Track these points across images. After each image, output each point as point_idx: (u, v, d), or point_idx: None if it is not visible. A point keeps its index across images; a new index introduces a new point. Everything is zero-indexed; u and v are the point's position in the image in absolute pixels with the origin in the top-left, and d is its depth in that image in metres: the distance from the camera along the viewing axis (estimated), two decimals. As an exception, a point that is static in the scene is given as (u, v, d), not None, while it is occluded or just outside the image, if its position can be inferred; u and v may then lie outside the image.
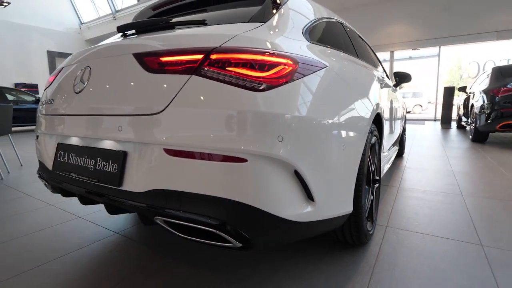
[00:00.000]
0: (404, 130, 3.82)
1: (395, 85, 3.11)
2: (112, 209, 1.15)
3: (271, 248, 1.50)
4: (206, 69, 0.90)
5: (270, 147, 0.85)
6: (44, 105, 1.39)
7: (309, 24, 1.31)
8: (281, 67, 0.93)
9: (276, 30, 1.10)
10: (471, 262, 1.34)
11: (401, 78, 3.11)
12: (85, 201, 1.27)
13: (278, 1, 1.26)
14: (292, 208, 0.93)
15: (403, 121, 3.59)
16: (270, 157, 0.86)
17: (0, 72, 11.71)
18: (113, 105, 1.02)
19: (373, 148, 1.58)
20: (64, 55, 13.64)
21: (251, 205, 0.85)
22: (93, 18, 13.70)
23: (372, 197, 1.55)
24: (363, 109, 1.30)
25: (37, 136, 1.49)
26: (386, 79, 2.44)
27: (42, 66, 13.00)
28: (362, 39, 2.48)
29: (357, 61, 1.68)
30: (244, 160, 0.84)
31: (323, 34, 1.43)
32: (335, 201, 1.09)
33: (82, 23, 14.25)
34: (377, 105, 1.52)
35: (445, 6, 8.93)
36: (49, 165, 1.34)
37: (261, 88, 0.88)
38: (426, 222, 1.77)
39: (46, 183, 1.42)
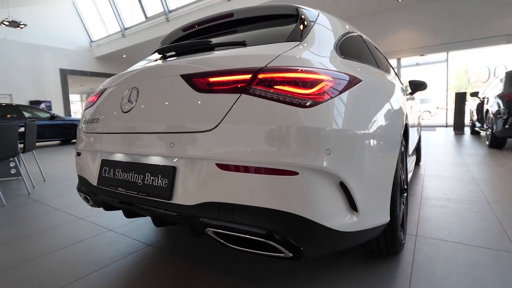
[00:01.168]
0: (420, 137, 3.83)
1: (411, 93, 3.14)
2: (159, 222, 1.20)
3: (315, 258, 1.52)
4: (254, 87, 0.96)
5: (320, 160, 0.90)
6: (87, 124, 1.47)
7: (338, 40, 1.37)
8: (323, 83, 0.99)
9: (312, 47, 1.16)
10: (509, 270, 1.34)
11: (416, 86, 3.12)
12: (130, 214, 1.32)
13: (309, 20, 1.33)
14: (338, 218, 0.97)
15: (419, 129, 3.60)
16: (319, 170, 0.90)
17: (17, 90, 12.09)
18: (164, 124, 1.09)
19: (402, 158, 1.62)
20: (76, 72, 14.03)
21: (302, 216, 0.89)
22: (103, 36, 14.11)
23: (403, 206, 1.58)
24: (396, 120, 1.35)
25: (78, 153, 1.56)
26: (406, 88, 2.48)
27: (55, 83, 13.40)
28: (377, 49, 2.54)
29: (381, 72, 1.73)
30: (296, 173, 0.89)
31: (350, 48, 1.49)
32: (375, 211, 1.13)
33: (92, 41, 14.68)
34: (406, 115, 1.56)
35: (451, 12, 8.97)
36: (93, 180, 1.40)
37: (307, 104, 0.93)
38: (456, 230, 1.78)
39: (88, 197, 1.48)
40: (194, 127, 1.01)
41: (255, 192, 0.92)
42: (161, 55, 1.44)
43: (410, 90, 3.17)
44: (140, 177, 1.17)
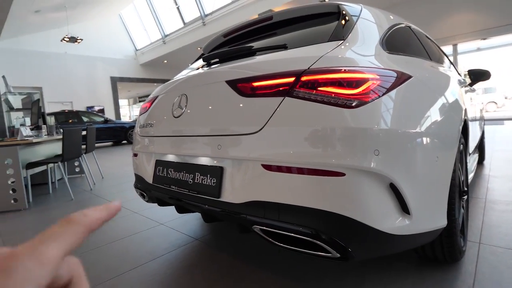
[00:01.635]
0: (483, 133, 3.47)
1: (471, 84, 2.86)
2: (208, 218, 1.26)
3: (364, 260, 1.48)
4: (298, 90, 0.96)
5: (368, 161, 0.87)
6: (142, 128, 1.59)
7: (384, 35, 1.31)
8: (369, 82, 0.95)
9: (356, 45, 1.13)
10: None
11: (477, 76, 2.79)
12: (181, 210, 1.40)
13: (351, 16, 1.28)
14: (388, 220, 0.93)
15: (482, 123, 3.25)
16: (367, 171, 0.88)
17: (76, 97, 13.46)
18: (212, 127, 1.14)
19: (461, 157, 1.49)
20: (124, 79, 15.19)
21: (349, 216, 0.88)
22: (146, 44, 15.05)
23: (463, 210, 1.46)
24: (452, 116, 1.25)
25: (135, 154, 1.69)
26: (464, 79, 2.28)
27: (107, 90, 14.65)
28: (429, 38, 2.36)
29: (433, 64, 1.61)
30: (342, 174, 0.87)
31: (398, 42, 1.41)
32: (430, 215, 1.06)
33: (137, 50, 15.73)
34: (465, 110, 1.44)
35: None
36: (149, 178, 1.52)
37: (353, 104, 0.91)
38: (526, 238, 1.59)
39: (144, 194, 1.60)
40: (239, 130, 1.04)
41: (301, 192, 0.92)
42: (206, 62, 1.50)
43: (469, 81, 2.89)
44: (191, 176, 1.24)
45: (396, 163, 0.92)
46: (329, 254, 0.95)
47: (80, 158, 3.76)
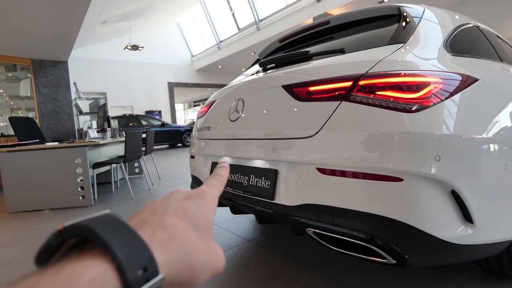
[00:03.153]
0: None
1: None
2: (262, 219, 1.32)
3: (423, 268, 1.44)
4: (355, 94, 0.98)
5: (427, 166, 0.86)
6: (199, 131, 1.71)
7: (448, 36, 1.27)
8: (431, 86, 0.94)
9: (417, 48, 1.11)
10: None
11: None
12: (235, 211, 1.48)
13: (413, 18, 1.26)
14: (448, 229, 0.91)
15: None
16: (426, 177, 0.87)
17: (136, 102, 14.49)
18: (268, 130, 1.20)
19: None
20: (180, 85, 16.00)
21: (406, 222, 0.87)
22: (201, 50, 15.72)
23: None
24: None
25: (192, 156, 1.82)
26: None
27: (164, 95, 15.52)
28: (501, 38, 2.19)
29: (504, 66, 1.50)
30: (400, 180, 0.87)
31: (464, 43, 1.35)
32: (496, 225, 1.01)
33: (193, 56, 16.49)
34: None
35: None
36: (205, 179, 1.62)
37: (413, 109, 0.91)
38: None
39: None
40: (295, 134, 1.09)
41: (356, 196, 0.94)
42: (262, 68, 1.57)
43: None
44: (246, 178, 1.31)
45: (458, 170, 0.89)
46: (385, 260, 0.95)
47: (139, 159, 4.08)
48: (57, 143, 3.39)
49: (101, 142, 3.37)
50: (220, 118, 1.51)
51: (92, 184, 3.34)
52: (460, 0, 8.55)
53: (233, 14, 12.88)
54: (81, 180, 3.18)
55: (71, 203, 3.20)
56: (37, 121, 4.39)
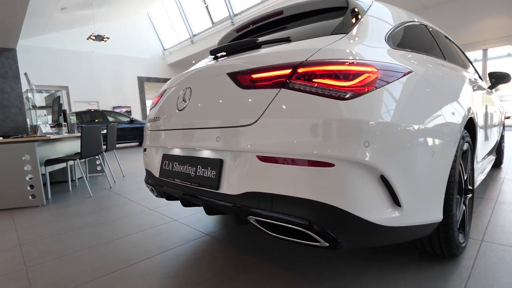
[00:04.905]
0: (502, 137, 3.38)
1: (491, 87, 2.82)
2: (210, 210, 1.31)
3: (357, 251, 1.50)
4: (294, 82, 1.00)
5: (356, 152, 0.90)
6: (150, 123, 1.67)
7: (391, 30, 1.32)
8: (365, 75, 0.98)
9: (359, 39, 1.15)
10: None
11: (498, 78, 2.82)
12: (186, 203, 1.47)
13: (359, 11, 1.31)
14: (378, 212, 0.96)
15: (501, 127, 3.19)
16: (356, 162, 0.91)
17: (102, 97, 13.84)
18: (212, 119, 1.20)
19: (465, 156, 1.48)
20: (151, 79, 15.49)
21: (337, 206, 0.91)
22: (174, 44, 15.31)
23: (464, 207, 1.45)
24: (453, 113, 1.25)
25: (145, 149, 1.78)
26: (479, 81, 2.24)
27: (134, 90, 14.96)
28: (449, 39, 2.34)
29: (444, 63, 1.60)
30: (331, 165, 0.91)
31: (407, 38, 1.42)
32: (423, 208, 1.08)
33: (164, 49, 16.03)
34: (469, 109, 1.43)
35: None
36: (156, 173, 1.59)
37: (346, 96, 0.94)
38: (535, 238, 1.56)
39: (153, 189, 1.68)
40: (237, 122, 1.09)
41: (292, 182, 0.96)
42: (214, 56, 1.56)
43: (488, 84, 2.85)
44: (193, 169, 1.30)
45: (387, 156, 0.94)
46: (318, 243, 0.98)
47: (100, 156, 3.92)
48: (0, 138, 3.16)
49: (53, 137, 3.19)
50: (169, 108, 1.49)
51: (44, 183, 3.14)
52: (423, 6, 9.02)
53: (207, 7, 12.55)
54: (30, 178, 2.98)
55: (20, 203, 3.00)
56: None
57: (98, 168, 4.87)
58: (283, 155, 0.97)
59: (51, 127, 3.82)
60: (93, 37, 11.11)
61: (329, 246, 0.97)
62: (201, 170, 1.26)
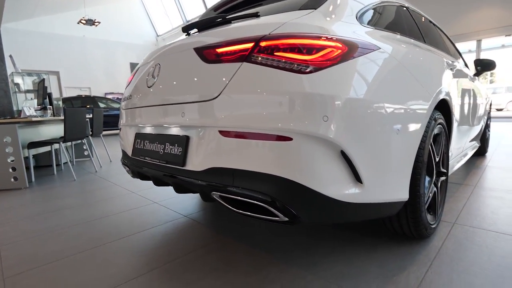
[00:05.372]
0: (487, 126, 3.40)
1: (476, 74, 2.81)
2: (178, 188, 1.30)
3: (328, 231, 1.51)
4: (256, 55, 0.98)
5: (314, 126, 0.89)
6: (124, 101, 1.64)
7: (363, 9, 1.30)
8: (328, 49, 0.96)
9: (327, 15, 1.13)
10: (558, 264, 1.17)
11: (483, 66, 2.83)
12: (157, 182, 1.46)
13: None
14: (337, 187, 0.95)
15: (486, 116, 3.20)
16: (314, 136, 0.90)
17: (94, 83, 13.63)
18: (177, 95, 1.18)
19: (439, 138, 1.48)
20: (144, 66, 15.21)
21: (296, 181, 0.90)
22: (167, 30, 15.03)
23: (435, 189, 1.45)
24: (422, 93, 1.24)
25: (120, 129, 1.76)
26: (461, 66, 2.23)
27: (126, 76, 14.74)
28: (434, 25, 2.31)
29: (421, 45, 1.59)
30: (290, 139, 0.90)
31: (381, 18, 1.40)
32: (386, 186, 1.07)
33: (158, 35, 15.76)
34: (442, 91, 1.42)
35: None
36: (129, 152, 1.58)
37: (307, 70, 0.92)
38: (504, 222, 1.58)
39: (128, 169, 1.66)
40: (200, 97, 1.07)
41: (251, 157, 0.95)
42: (186, 33, 1.53)
43: (474, 71, 2.85)
44: (162, 146, 1.28)
45: (347, 132, 0.93)
46: (277, 218, 0.98)
47: (86, 141, 3.87)
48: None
49: (34, 119, 3.14)
50: (140, 85, 1.46)
51: (28, 167, 3.11)
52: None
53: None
54: (12, 161, 2.95)
55: (2, 185, 2.98)
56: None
57: (86, 153, 4.83)
58: (243, 129, 0.96)
59: (35, 110, 3.76)
60: (84, 21, 10.83)
61: (288, 221, 0.97)
62: (169, 147, 1.25)
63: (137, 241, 1.60)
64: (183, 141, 1.17)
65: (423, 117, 1.22)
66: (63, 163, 4.43)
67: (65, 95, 12.23)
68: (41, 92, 3.89)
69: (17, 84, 5.21)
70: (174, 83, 1.21)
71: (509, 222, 1.57)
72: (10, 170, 2.96)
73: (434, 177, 1.46)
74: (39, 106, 3.97)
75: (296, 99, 0.90)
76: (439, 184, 1.51)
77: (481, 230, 1.49)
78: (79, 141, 4.55)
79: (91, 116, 4.21)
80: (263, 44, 0.99)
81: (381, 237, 1.48)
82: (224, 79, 1.02)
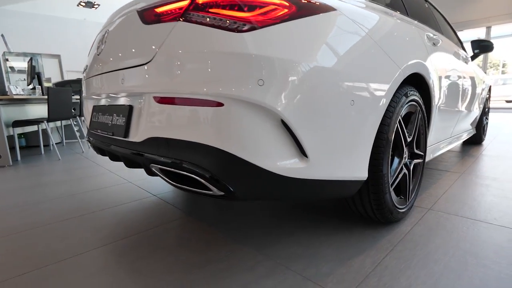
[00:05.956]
0: (485, 114, 3.24)
1: (473, 56, 2.67)
2: (128, 163, 1.23)
3: (291, 211, 1.43)
4: (191, 14, 0.88)
5: (247, 91, 0.80)
6: (84, 72, 1.56)
7: None
8: (271, 7, 0.86)
9: None
10: (529, 253, 1.08)
11: (480, 47, 2.68)
12: (111, 157, 1.39)
13: None
14: (276, 160, 0.87)
15: (483, 103, 3.05)
16: (248, 102, 0.80)
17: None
18: (119, 61, 1.09)
19: (413, 117, 1.38)
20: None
21: (227, 151, 0.82)
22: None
23: (406, 171, 1.35)
24: (387, 64, 1.12)
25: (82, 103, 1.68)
26: (450, 45, 2.08)
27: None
28: (430, 3, 2.17)
29: (395, 14, 1.45)
30: (220, 104, 0.81)
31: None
32: (338, 162, 0.98)
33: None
34: (415, 64, 1.30)
35: None
36: (88, 126, 1.51)
37: (244, 29, 0.83)
38: (484, 209, 1.48)
39: (90, 144, 1.60)
40: (137, 62, 0.99)
41: (184, 125, 0.87)
42: None
43: (472, 54, 2.70)
44: (110, 118, 1.21)
45: (287, 98, 0.84)
46: (210, 192, 0.90)
47: (73, 121, 3.83)
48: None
49: (16, 97, 3.09)
50: (93, 53, 1.37)
51: (13, 147, 3.09)
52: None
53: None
54: (-5, 138, 2.93)
55: (-15, 162, 2.97)
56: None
57: (78, 134, 4.80)
58: (173, 94, 0.87)
59: (26, 90, 3.72)
60: (83, 3, 10.63)
61: (224, 195, 0.89)
62: (115, 118, 1.17)
63: (101, 217, 1.57)
64: (126, 111, 1.09)
65: (387, 91, 1.11)
66: (56, 144, 4.41)
67: (66, 78, 12.18)
68: (30, 71, 3.83)
69: (11, 67, 5.18)
70: (116, 48, 1.12)
71: (488, 209, 1.47)
72: (-7, 147, 2.94)
73: (406, 158, 1.37)
74: (29, 86, 3.92)
75: (228, 60, 0.80)
76: (411, 167, 1.41)
77: (456, 217, 1.40)
78: (69, 122, 4.51)
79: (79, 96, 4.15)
80: (200, 0, 0.89)
81: (347, 220, 1.40)
82: (158, 41, 0.92)
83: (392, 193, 1.25)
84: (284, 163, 0.88)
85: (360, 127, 1.02)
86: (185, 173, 0.89)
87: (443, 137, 1.95)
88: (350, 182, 1.05)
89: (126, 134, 1.08)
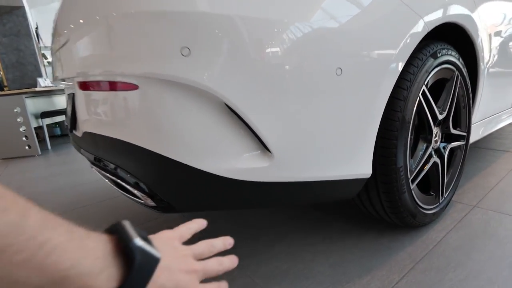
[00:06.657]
0: None
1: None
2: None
3: (284, 213, 1.19)
4: None
5: (168, 65, 0.56)
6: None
7: None
8: None
9: None
10: None
11: None
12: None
13: None
14: (226, 159, 0.63)
15: None
16: (171, 81, 0.57)
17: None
18: (60, 40, 0.90)
19: (448, 84, 1.02)
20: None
21: (148, 149, 0.60)
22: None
23: (437, 160, 1.01)
24: (395, 8, 0.78)
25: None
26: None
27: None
28: None
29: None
30: (134, 87, 0.58)
31: None
32: (319, 156, 0.71)
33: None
34: (449, 9, 0.92)
35: None
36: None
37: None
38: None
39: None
40: (62, 40, 0.79)
41: (102, 117, 0.66)
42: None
43: None
44: (70, 107, 1.05)
45: (230, 71, 0.58)
46: (141, 201, 0.70)
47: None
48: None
49: (38, 89, 3.19)
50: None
51: (38, 135, 3.21)
52: None
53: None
54: (24, 130, 3.06)
55: (18, 153, 3.14)
56: (1, 73, 4.24)
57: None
58: (87, 78, 0.67)
59: (51, 81, 3.83)
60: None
61: (156, 207, 0.68)
62: (70, 107, 1.01)
63: (97, 209, 1.55)
64: (71, 100, 0.92)
65: (401, 48, 0.77)
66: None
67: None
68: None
69: (49, 62, 5.39)
70: (62, 23, 0.93)
71: (560, 207, 1.08)
72: (24, 138, 3.08)
73: (438, 142, 1.03)
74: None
75: (138, 23, 0.57)
76: (445, 153, 1.06)
77: (499, 214, 1.05)
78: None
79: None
80: None
81: (358, 221, 1.12)
82: (81, 12, 0.71)
83: (415, 190, 0.94)
84: (234, 163, 0.63)
85: (355, 105, 0.72)
86: (108, 175, 0.69)
87: (499, 108, 1.52)
88: (344, 182, 0.77)
89: (74, 127, 0.92)
